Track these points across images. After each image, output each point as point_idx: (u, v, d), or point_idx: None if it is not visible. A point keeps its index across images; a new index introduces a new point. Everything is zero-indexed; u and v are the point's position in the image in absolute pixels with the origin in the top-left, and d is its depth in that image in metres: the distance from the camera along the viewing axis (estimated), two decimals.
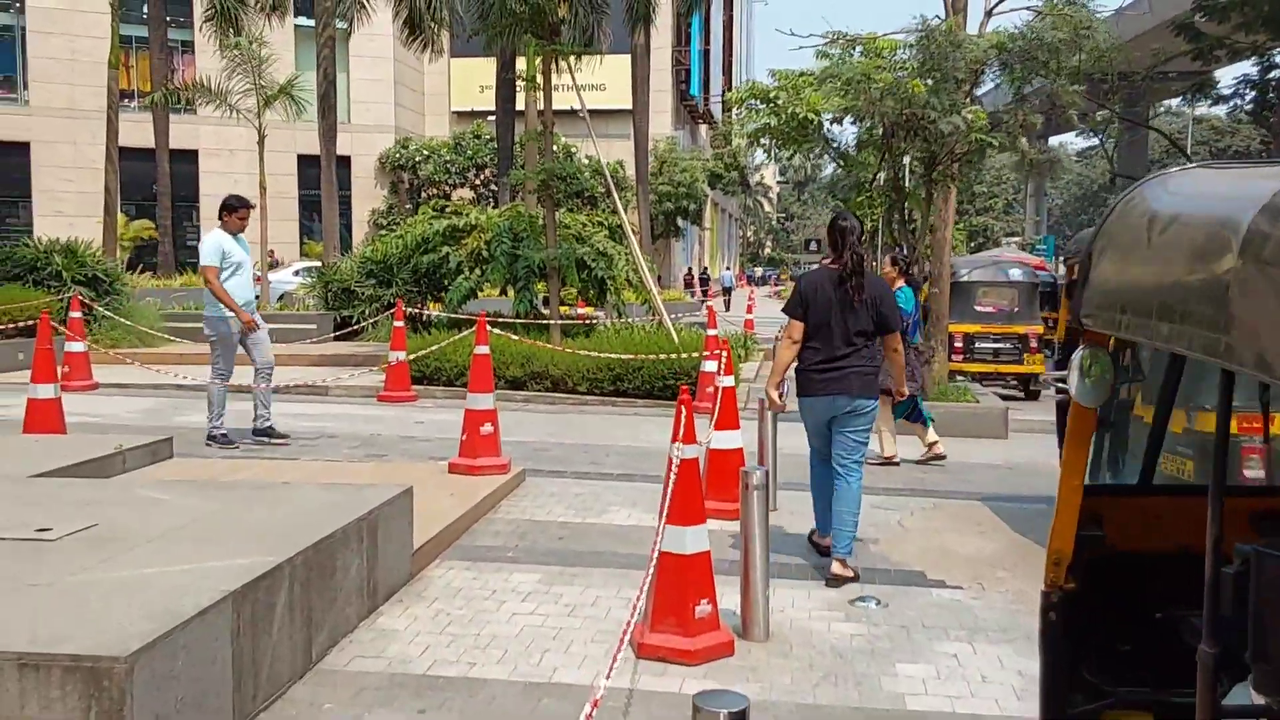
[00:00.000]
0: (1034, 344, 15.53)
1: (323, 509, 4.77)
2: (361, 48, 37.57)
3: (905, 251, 9.82)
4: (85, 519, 4.51)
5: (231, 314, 8.49)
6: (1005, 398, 12.67)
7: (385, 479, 6.92)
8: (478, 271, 16.34)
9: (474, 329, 14.16)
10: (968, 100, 10.12)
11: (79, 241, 15.39)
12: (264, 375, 8.84)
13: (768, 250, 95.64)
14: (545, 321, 13.35)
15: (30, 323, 12.73)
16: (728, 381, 6.60)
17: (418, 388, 12.01)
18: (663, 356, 11.43)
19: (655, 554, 4.18)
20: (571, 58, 13.50)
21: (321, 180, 24.89)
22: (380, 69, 38.40)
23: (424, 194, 37.86)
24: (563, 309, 19.23)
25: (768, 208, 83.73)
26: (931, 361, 10.55)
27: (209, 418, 8.72)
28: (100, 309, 13.77)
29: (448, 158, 37.55)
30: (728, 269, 57.60)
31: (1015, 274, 15.88)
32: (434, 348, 11.28)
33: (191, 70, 33.16)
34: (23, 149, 33.52)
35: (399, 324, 11.92)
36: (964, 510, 7.10)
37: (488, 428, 7.28)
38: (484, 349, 7.44)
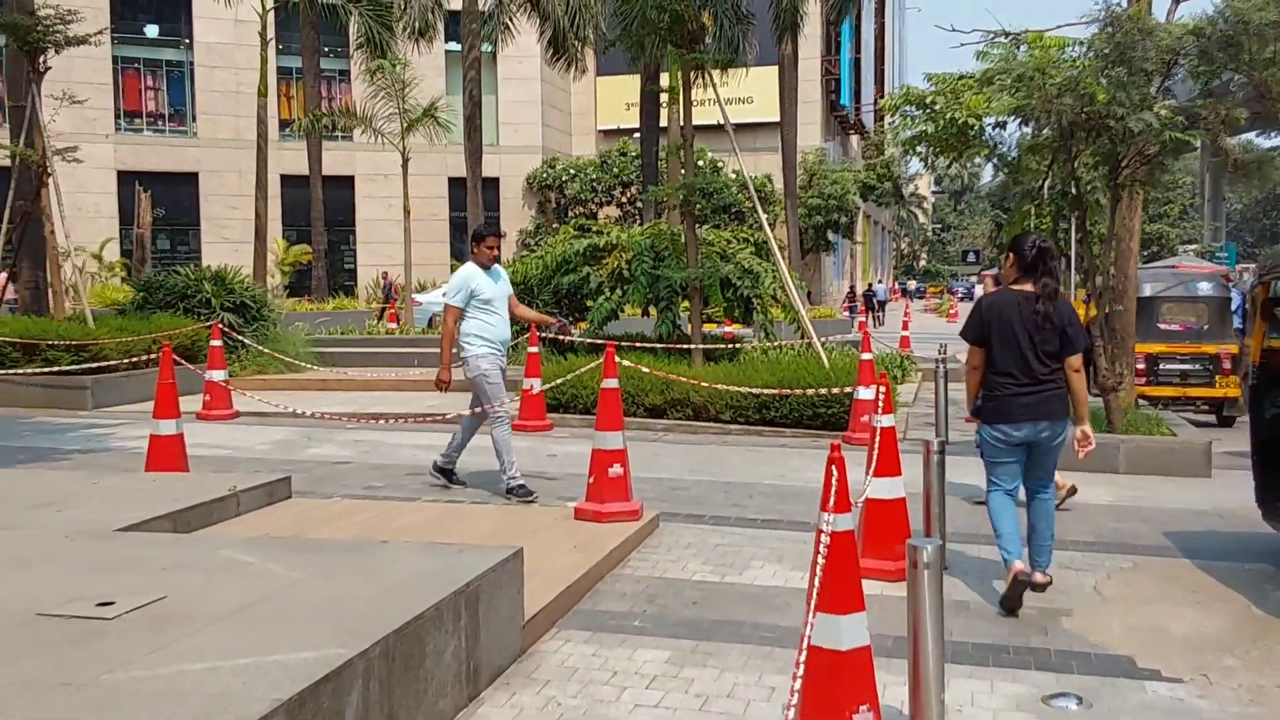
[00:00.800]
0: (1227, 365, 14.00)
1: (417, 579, 4.17)
2: (510, 70, 37.93)
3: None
4: (156, 589, 4.03)
5: (485, 350, 7.52)
6: (1195, 424, 11.32)
7: (504, 528, 6.34)
8: (619, 292, 15.83)
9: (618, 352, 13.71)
10: (1159, 94, 8.95)
11: (227, 268, 15.55)
12: (496, 422, 7.66)
13: (923, 262, 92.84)
14: (687, 346, 12.64)
15: (186, 349, 12.82)
16: (886, 421, 5.75)
17: (554, 416, 11.49)
18: (809, 392, 10.56)
19: (804, 646, 3.41)
20: (715, 70, 12.87)
21: (468, 202, 24.93)
22: (528, 90, 38.65)
23: (571, 213, 37.87)
24: (709, 327, 18.61)
25: (922, 219, 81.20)
26: (1118, 389, 9.37)
27: (502, 468, 7.56)
28: (240, 337, 13.77)
29: (594, 176, 37.44)
30: (880, 282, 55.87)
31: (1205, 288, 14.37)
32: (569, 375, 10.72)
33: (348, 98, 34.01)
34: (191, 179, 34.98)
35: (533, 350, 11.42)
36: (1171, 571, 6.03)
37: (617, 469, 6.61)
38: (612, 383, 6.77)
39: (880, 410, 5.77)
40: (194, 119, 35.66)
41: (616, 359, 6.95)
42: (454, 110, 26.98)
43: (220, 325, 12.27)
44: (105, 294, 22.26)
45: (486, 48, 25.90)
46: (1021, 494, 5.49)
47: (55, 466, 8.72)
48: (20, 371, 12.10)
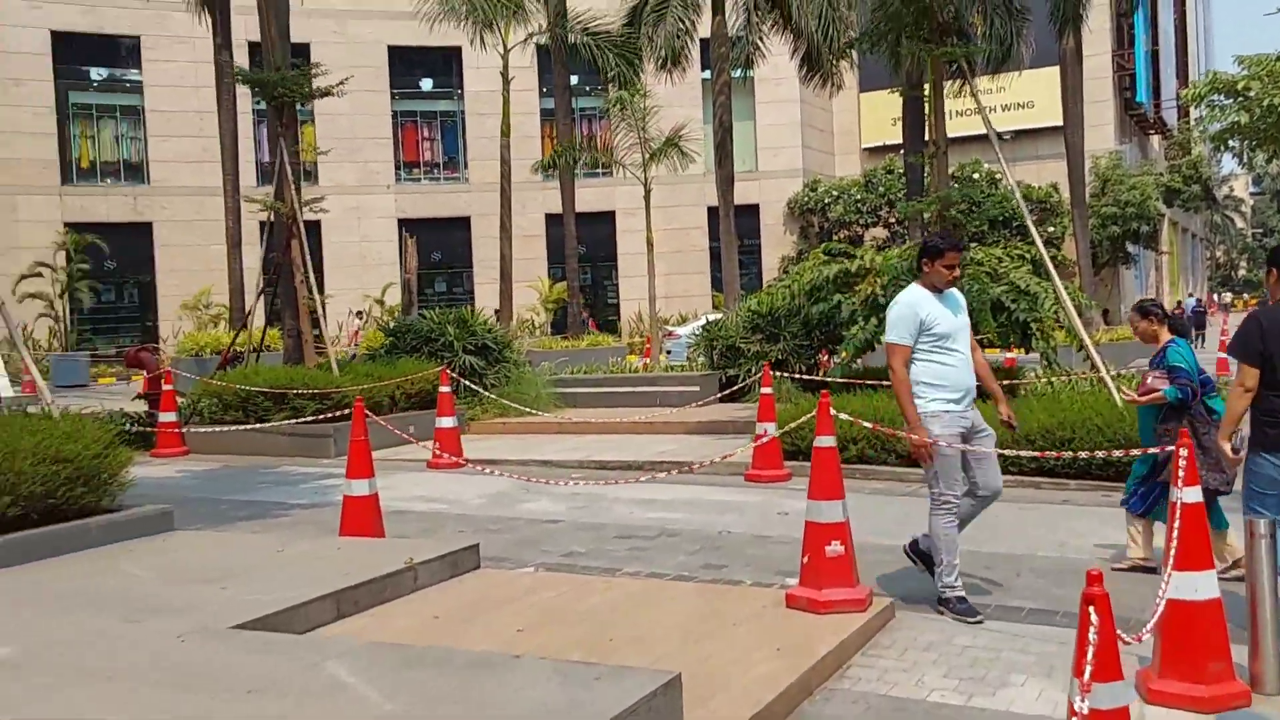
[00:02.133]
0: None
1: (541, 717, 3.19)
2: (768, 93, 37.08)
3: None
4: (228, 718, 3.28)
5: (941, 406, 5.58)
6: None
7: (697, 618, 5.27)
8: (873, 321, 14.43)
9: (866, 389, 12.30)
10: None
11: (469, 310, 15.44)
12: (982, 504, 5.93)
13: (1242, 271, 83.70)
14: None
15: (427, 394, 12.64)
16: (1191, 496, 4.26)
17: (793, 464, 10.30)
18: (1094, 454, 8.79)
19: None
20: (984, 73, 11.42)
21: (720, 230, 24.16)
22: (787, 113, 37.63)
23: (835, 237, 36.41)
24: (991, 353, 16.76)
25: (1240, 224, 73.17)
26: None
27: (937, 570, 5.69)
28: (470, 384, 13.47)
29: (858, 197, 35.80)
30: (1191, 295, 50.42)
31: None
32: (805, 418, 9.50)
33: (607, 134, 34.33)
34: (464, 223, 36.37)
35: (766, 391, 10.28)
36: None
37: (837, 547, 5.39)
38: (828, 440, 5.56)
39: (1182, 481, 4.28)
40: (465, 165, 37.12)
41: (832, 411, 5.72)
42: (707, 138, 26.40)
43: (448, 371, 11.96)
44: (375, 338, 23.15)
45: (739, 73, 25.11)
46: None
47: (268, 525, 8.49)
48: (252, 425, 12.29)
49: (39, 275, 27.95)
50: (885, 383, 11.51)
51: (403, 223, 35.32)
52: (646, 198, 19.63)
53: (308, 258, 13.05)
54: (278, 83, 12.52)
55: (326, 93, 12.98)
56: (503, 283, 23.46)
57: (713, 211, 36.34)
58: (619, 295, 37.65)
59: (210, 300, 30.07)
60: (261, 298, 14.40)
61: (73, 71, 32.35)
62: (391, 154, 36.09)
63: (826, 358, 16.43)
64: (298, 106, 13.62)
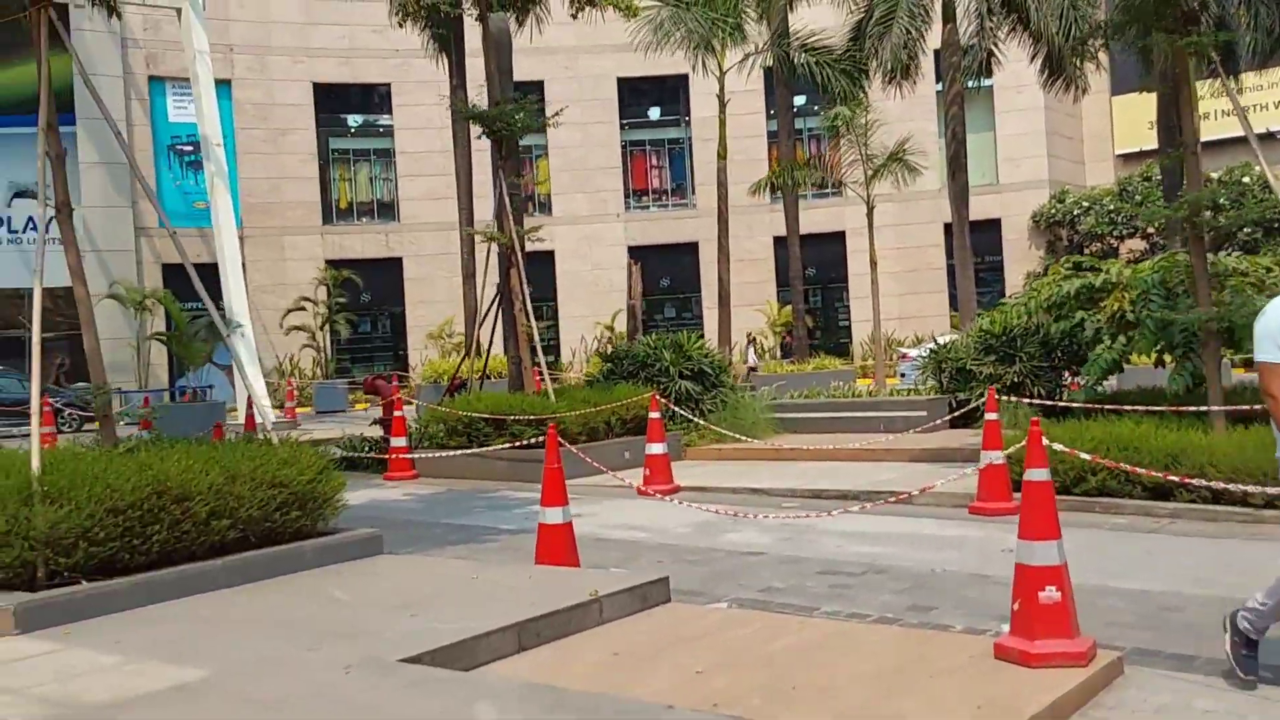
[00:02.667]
0: None
1: None
2: (1008, 102, 35.39)
3: None
4: None
5: None
6: None
7: (892, 667, 4.82)
8: (1121, 339, 13.27)
9: (1111, 414, 11.23)
10: None
11: (685, 335, 15.33)
12: None
13: None
14: (1203, 408, 10.01)
15: (642, 418, 12.59)
16: None
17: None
18: None
19: None
20: (1233, 64, 10.29)
21: (954, 246, 23.07)
22: (1030, 121, 35.70)
23: (1086, 250, 34.16)
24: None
25: None
26: None
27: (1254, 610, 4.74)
28: (679, 409, 13.30)
29: (1111, 207, 33.43)
30: None
31: None
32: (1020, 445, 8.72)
33: (836, 153, 33.71)
34: (692, 249, 36.54)
35: (991, 416, 9.53)
36: None
37: (1052, 594, 4.80)
38: (1040, 474, 4.98)
39: None
40: (693, 191, 37.34)
41: (1045, 441, 5.14)
42: (941, 151, 25.38)
43: (657, 396, 11.84)
44: (596, 365, 23.54)
45: (974, 82, 23.97)
46: None
47: (475, 550, 8.60)
48: (474, 450, 12.57)
49: (302, 309, 30.15)
50: (1136, 408, 10.54)
51: (632, 250, 35.91)
52: (869, 215, 19.01)
53: (525, 287, 13.30)
54: (496, 117, 12.89)
55: (543, 126, 13.27)
56: (721, 308, 23.31)
57: (948, 228, 34.87)
58: (850, 317, 36.74)
59: (452, 329, 31.56)
60: (481, 326, 14.83)
61: (332, 120, 34.93)
62: (621, 183, 36.81)
63: (1070, 379, 15.29)
64: (531, 140, 14.01)
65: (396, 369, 31.77)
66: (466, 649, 5.06)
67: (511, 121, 12.88)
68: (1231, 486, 7.77)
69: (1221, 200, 31.58)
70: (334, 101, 34.68)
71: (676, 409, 13.34)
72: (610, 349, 16.25)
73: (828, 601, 6.49)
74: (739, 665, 4.96)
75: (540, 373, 13.42)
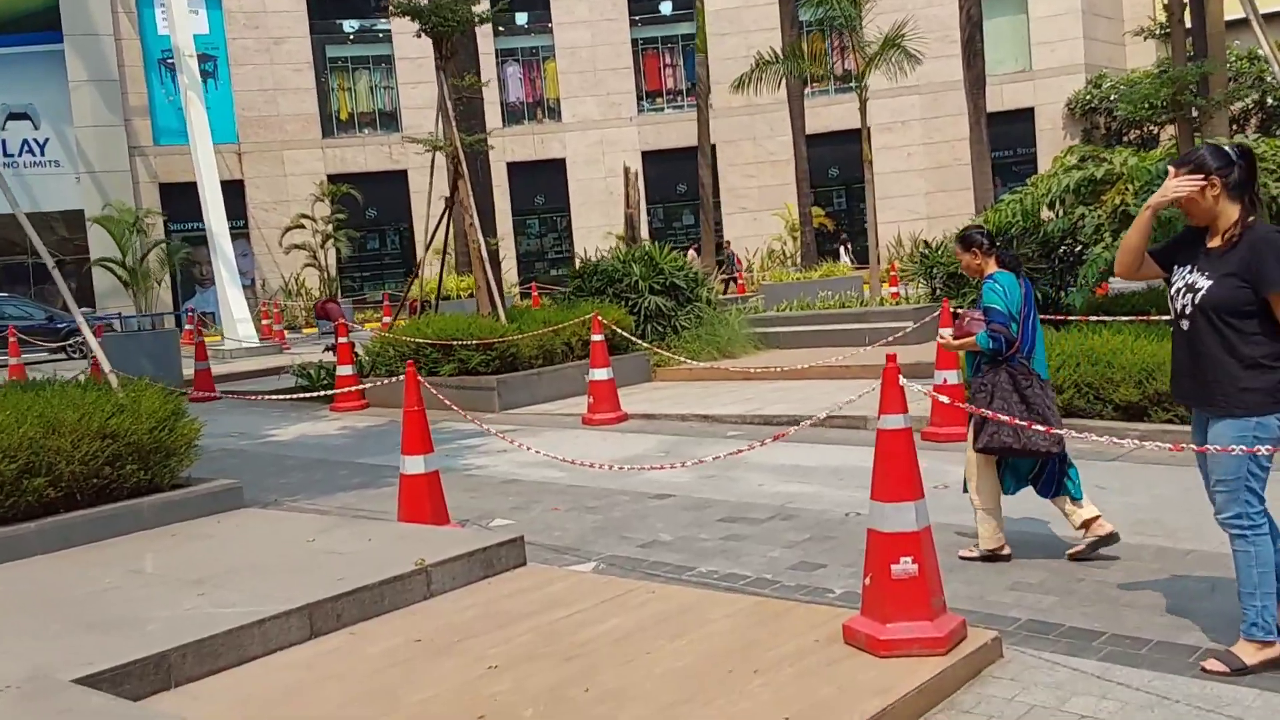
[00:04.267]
0: None
1: None
2: None
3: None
4: None
5: None
6: None
7: (725, 652, 4.00)
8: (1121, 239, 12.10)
9: (1123, 325, 10.01)
10: None
11: (657, 247, 14.34)
12: None
13: None
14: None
15: (608, 338, 11.71)
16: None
17: None
18: None
19: None
20: None
21: (970, 140, 21.67)
22: (1065, 0, 33.45)
23: (1125, 138, 32.31)
24: None
25: None
26: None
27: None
28: (628, 336, 12.37)
29: (1149, 90, 31.37)
30: None
31: None
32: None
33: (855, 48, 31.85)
34: (709, 152, 35.07)
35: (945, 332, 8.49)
36: None
37: (908, 566, 3.94)
38: (896, 420, 4.06)
39: None
40: (710, 90, 35.71)
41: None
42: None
43: (599, 316, 10.94)
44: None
45: None
46: None
47: (363, 498, 7.90)
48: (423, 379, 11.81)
49: (301, 227, 29.40)
50: (1137, 318, 9.45)
51: (646, 155, 34.58)
52: (862, 110, 17.75)
53: (471, 199, 12.34)
54: (432, 11, 11.80)
55: (485, 19, 12.16)
56: (702, 215, 22.14)
57: (991, 118, 33.07)
58: (876, 219, 35.16)
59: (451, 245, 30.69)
60: (431, 243, 13.96)
61: (327, 26, 33.59)
62: (633, 84, 35.25)
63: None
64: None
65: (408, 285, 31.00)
66: (233, 640, 4.33)
67: (448, 16, 11.78)
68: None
69: (1269, 78, 29.48)
70: (328, 6, 33.28)
71: (628, 336, 12.38)
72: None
73: (710, 559, 5.67)
74: (543, 657, 4.18)
75: (492, 293, 12.54)
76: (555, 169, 34.83)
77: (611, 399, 10.46)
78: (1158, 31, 31.77)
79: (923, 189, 34.55)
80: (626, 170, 21.75)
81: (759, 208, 34.86)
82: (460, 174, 12.43)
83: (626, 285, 13.71)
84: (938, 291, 14.11)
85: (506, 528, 6.43)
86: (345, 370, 12.65)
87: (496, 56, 33.97)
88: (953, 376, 8.33)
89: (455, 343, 11.87)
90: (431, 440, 6.40)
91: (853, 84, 35.47)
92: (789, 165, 34.53)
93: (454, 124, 12.33)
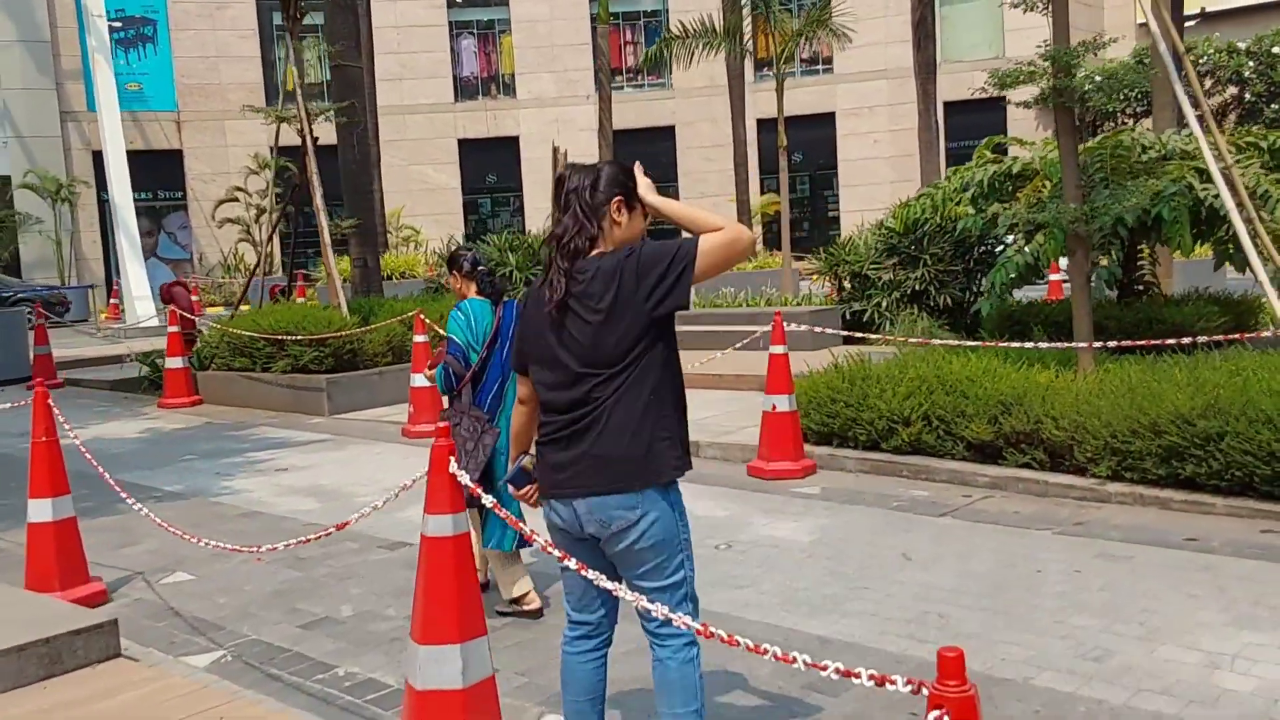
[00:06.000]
0: None
1: None
2: None
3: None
4: None
5: None
6: None
7: None
8: (1040, 237, 10.86)
9: (1019, 342, 8.83)
10: None
11: (533, 236, 13.06)
12: None
13: None
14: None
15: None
16: None
17: (824, 451, 7.33)
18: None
19: None
20: None
21: (919, 127, 20.38)
22: None
23: (1100, 130, 30.93)
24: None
25: None
26: None
27: None
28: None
29: (1126, 80, 30.04)
30: None
31: None
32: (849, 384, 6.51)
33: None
34: (668, 133, 33.83)
35: (777, 350, 7.26)
36: None
37: None
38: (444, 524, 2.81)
39: None
40: (670, 70, 34.35)
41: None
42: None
43: (422, 315, 9.69)
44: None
45: None
46: None
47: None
48: (257, 375, 10.61)
49: (234, 200, 28.07)
50: (1038, 346, 8.27)
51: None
52: (779, 92, 16.42)
53: (316, 179, 11.09)
54: None
55: None
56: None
57: (950, 107, 31.69)
58: (840, 206, 33.94)
59: (400, 223, 29.44)
60: (275, 228, 12.72)
61: None
62: (591, 61, 33.83)
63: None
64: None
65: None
66: None
67: None
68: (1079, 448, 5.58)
69: (1246, 72, 28.23)
70: None
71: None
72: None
73: (369, 650, 4.45)
74: None
75: (334, 281, 11.29)
76: (508, 147, 33.50)
77: (434, 408, 9.24)
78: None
79: (889, 177, 33.26)
80: (555, 150, 20.41)
81: (719, 193, 33.51)
82: (306, 150, 11.17)
83: (503, 276, 12.46)
84: (844, 292, 12.87)
85: (177, 583, 5.22)
86: (175, 363, 11.43)
87: (450, 29, 32.62)
88: (784, 402, 7.10)
89: (286, 337, 10.64)
90: (66, 480, 5.15)
91: (819, 68, 34.31)
92: (751, 148, 33.26)
93: (301, 95, 11.06)
